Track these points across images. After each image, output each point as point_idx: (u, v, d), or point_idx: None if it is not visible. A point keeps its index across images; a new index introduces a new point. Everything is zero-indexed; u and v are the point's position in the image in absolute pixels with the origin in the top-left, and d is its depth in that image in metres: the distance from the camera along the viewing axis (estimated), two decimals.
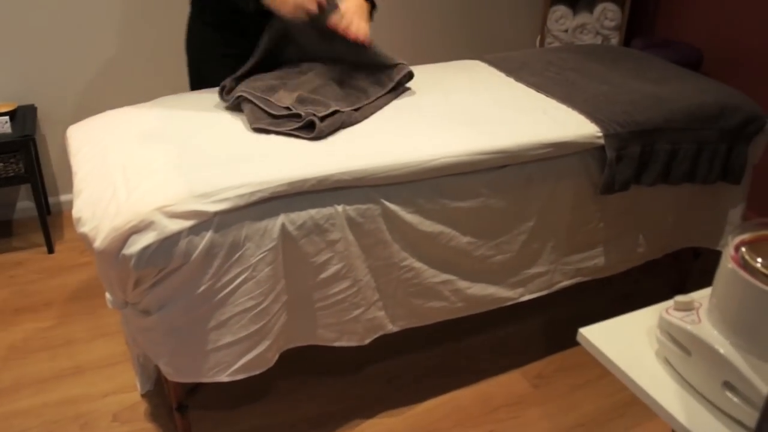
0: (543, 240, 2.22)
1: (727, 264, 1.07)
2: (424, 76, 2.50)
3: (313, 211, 1.82)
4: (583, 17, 3.96)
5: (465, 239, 2.07)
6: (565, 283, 2.34)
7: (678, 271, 2.81)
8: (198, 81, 2.53)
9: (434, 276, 2.06)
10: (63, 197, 3.58)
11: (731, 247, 1.09)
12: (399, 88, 2.34)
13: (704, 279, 1.32)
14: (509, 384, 2.41)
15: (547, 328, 2.69)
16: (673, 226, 2.45)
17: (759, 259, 1.04)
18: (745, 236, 1.10)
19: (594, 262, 2.34)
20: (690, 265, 2.77)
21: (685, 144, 2.26)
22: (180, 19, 3.47)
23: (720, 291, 1.11)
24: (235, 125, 2.08)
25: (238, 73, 2.25)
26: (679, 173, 2.28)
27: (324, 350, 2.09)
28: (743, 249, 1.07)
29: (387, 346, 2.10)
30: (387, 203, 1.91)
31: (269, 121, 2.04)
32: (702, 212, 2.48)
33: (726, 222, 2.51)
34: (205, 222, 1.69)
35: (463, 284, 2.12)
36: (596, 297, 2.67)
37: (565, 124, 2.15)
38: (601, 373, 2.44)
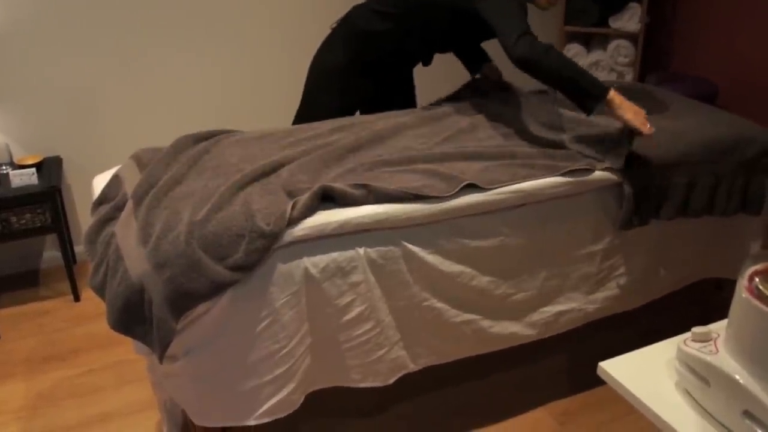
0: (563, 277, 2.22)
1: (742, 294, 1.08)
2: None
3: (335, 254, 1.84)
4: (597, 54, 4.00)
5: (485, 279, 2.08)
6: (587, 319, 2.33)
7: (702, 304, 2.80)
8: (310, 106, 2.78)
9: (456, 316, 2.07)
10: None
11: (745, 278, 1.10)
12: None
13: (728, 311, 1.33)
14: (535, 422, 2.40)
15: (572, 364, 2.68)
16: (693, 258, 2.44)
17: None
18: (759, 266, 1.12)
19: (615, 297, 2.34)
20: (713, 296, 2.76)
21: (702, 177, 2.27)
22: (201, 66, 3.55)
23: (736, 321, 1.12)
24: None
25: None
26: (697, 206, 2.29)
27: (348, 391, 2.09)
28: (757, 279, 1.09)
29: (410, 385, 2.11)
30: (408, 245, 1.93)
31: None
32: (722, 244, 2.47)
33: (746, 252, 2.50)
34: None
35: (485, 323, 2.12)
36: (621, 333, 2.65)
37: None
38: (627, 409, 2.42)
